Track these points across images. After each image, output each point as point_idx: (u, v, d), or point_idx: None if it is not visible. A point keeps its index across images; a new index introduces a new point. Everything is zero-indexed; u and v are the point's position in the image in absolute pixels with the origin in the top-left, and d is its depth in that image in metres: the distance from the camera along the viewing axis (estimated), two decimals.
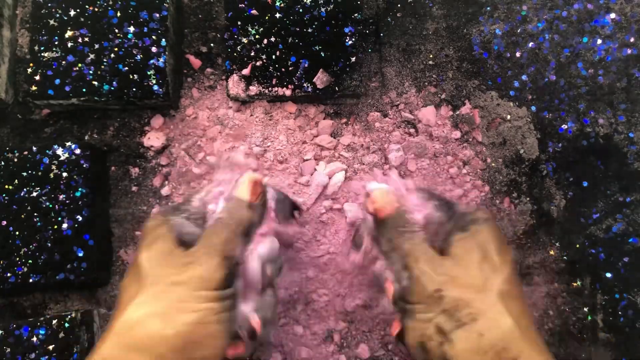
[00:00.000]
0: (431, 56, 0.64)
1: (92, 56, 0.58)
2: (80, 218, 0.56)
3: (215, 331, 0.37)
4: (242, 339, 0.40)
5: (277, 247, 0.45)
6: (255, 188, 0.43)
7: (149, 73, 0.57)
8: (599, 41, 0.63)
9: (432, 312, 0.38)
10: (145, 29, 0.58)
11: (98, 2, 0.58)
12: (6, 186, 0.56)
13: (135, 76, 0.57)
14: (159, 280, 0.37)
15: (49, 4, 0.58)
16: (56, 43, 0.58)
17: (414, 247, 0.41)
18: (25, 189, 0.56)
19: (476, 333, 0.36)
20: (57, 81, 0.57)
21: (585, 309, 0.60)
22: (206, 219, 0.43)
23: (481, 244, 0.40)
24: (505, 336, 0.36)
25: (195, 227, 0.42)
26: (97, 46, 0.58)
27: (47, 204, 0.56)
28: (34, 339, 0.53)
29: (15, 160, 0.56)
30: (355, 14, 0.60)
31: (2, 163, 0.56)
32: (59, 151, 0.57)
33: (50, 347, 0.53)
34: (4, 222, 0.55)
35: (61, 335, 0.53)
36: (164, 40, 0.58)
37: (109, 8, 0.58)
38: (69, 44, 0.58)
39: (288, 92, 0.59)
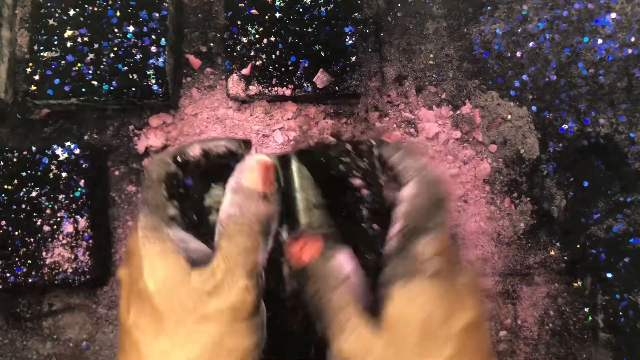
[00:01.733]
0: (431, 56, 0.64)
1: (91, 56, 0.57)
2: (79, 218, 0.56)
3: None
4: None
5: None
6: (267, 174, 0.35)
7: (148, 73, 0.57)
8: (600, 41, 0.63)
9: None
10: (145, 29, 0.58)
11: (97, 2, 0.58)
12: (5, 186, 0.56)
13: (135, 76, 0.57)
14: (181, 317, 0.31)
15: (49, 4, 0.58)
16: (55, 43, 0.58)
17: (341, 312, 0.32)
18: (24, 189, 0.56)
19: None
20: (57, 81, 0.57)
21: (586, 309, 0.60)
22: (209, 211, 0.37)
23: (423, 310, 0.31)
24: None
25: (200, 243, 0.35)
26: (96, 46, 0.58)
27: (47, 204, 0.56)
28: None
29: (15, 160, 0.56)
30: (355, 14, 0.60)
31: (2, 163, 0.56)
32: (59, 151, 0.57)
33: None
34: (4, 222, 0.55)
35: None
36: (163, 39, 0.58)
37: (109, 8, 0.58)
38: (69, 44, 0.58)
39: (288, 92, 0.59)
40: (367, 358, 0.31)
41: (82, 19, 0.58)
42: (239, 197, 0.34)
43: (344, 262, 0.34)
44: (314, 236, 0.35)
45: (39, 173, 0.56)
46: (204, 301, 0.31)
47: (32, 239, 0.55)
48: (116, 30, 0.58)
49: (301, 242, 0.35)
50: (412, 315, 0.31)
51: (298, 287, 0.36)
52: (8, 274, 0.55)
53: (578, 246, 0.61)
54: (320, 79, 0.58)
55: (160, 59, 0.58)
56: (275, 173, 0.36)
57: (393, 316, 0.32)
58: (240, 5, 0.59)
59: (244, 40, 0.59)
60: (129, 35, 0.58)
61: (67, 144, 0.57)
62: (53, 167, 0.56)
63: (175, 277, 0.31)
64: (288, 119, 0.62)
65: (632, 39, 0.62)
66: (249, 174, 0.34)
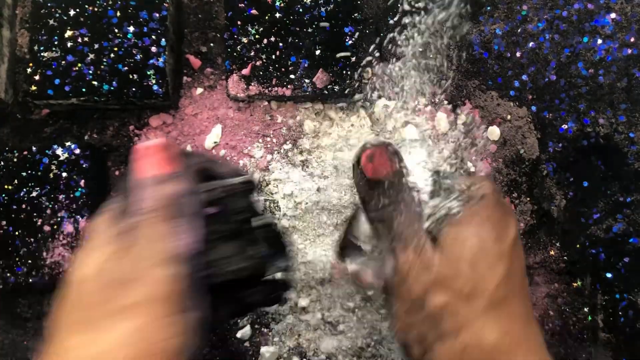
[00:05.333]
0: (431, 56, 0.64)
1: (91, 56, 0.57)
2: (80, 218, 0.56)
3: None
4: None
5: None
6: (155, 154, 0.32)
7: (148, 73, 0.57)
8: (600, 41, 0.63)
9: (416, 316, 0.34)
10: (145, 29, 0.58)
11: (98, 2, 0.58)
12: (5, 186, 0.56)
13: (135, 76, 0.57)
14: (100, 311, 0.28)
15: (49, 4, 0.58)
16: (56, 43, 0.58)
17: (405, 228, 0.35)
18: (24, 189, 0.56)
19: (459, 347, 0.32)
20: (57, 81, 0.57)
21: (586, 309, 0.60)
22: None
23: (478, 233, 0.34)
24: (489, 355, 0.32)
25: None
26: (96, 46, 0.58)
27: (47, 204, 0.56)
28: None
29: (15, 160, 0.56)
30: (355, 14, 0.60)
31: (2, 163, 0.56)
32: (59, 151, 0.57)
33: None
34: (4, 222, 0.55)
35: None
36: (163, 40, 0.58)
37: (109, 8, 0.58)
38: (69, 44, 0.58)
39: (288, 92, 0.59)
40: (426, 270, 0.33)
41: (82, 19, 0.58)
42: (135, 192, 0.31)
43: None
44: (389, 155, 0.36)
45: (39, 173, 0.56)
46: (120, 293, 0.28)
47: (32, 239, 0.55)
48: (116, 30, 0.58)
49: (378, 158, 0.36)
50: (466, 235, 0.34)
51: (367, 196, 0.37)
52: (8, 274, 0.55)
53: (578, 246, 0.61)
54: (320, 79, 0.59)
55: (160, 59, 0.58)
56: (174, 150, 0.33)
57: (449, 237, 0.34)
58: (240, 5, 0.60)
59: (244, 40, 0.59)
60: (129, 36, 0.58)
61: (67, 144, 0.57)
62: (53, 167, 0.56)
63: (97, 268, 0.29)
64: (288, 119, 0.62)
65: (632, 39, 0.62)
66: (136, 165, 0.32)
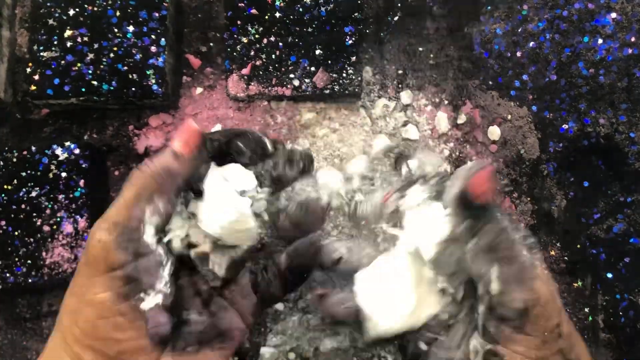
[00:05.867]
0: (431, 56, 0.64)
1: (91, 56, 0.57)
2: (79, 218, 0.56)
3: (119, 325, 0.32)
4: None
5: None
6: (189, 137, 0.35)
7: (148, 73, 0.57)
8: (600, 41, 0.63)
9: (548, 349, 0.31)
10: (145, 29, 0.58)
11: (97, 2, 0.58)
12: (5, 186, 0.56)
13: (135, 76, 0.57)
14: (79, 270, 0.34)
15: (48, 4, 0.58)
16: (55, 43, 0.58)
17: (527, 254, 0.31)
18: (24, 189, 0.56)
19: None
20: (56, 81, 0.57)
21: (586, 310, 0.60)
22: None
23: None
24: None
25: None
26: (96, 46, 0.58)
27: (47, 204, 0.56)
28: None
29: (14, 160, 0.56)
30: (355, 14, 0.60)
31: (1, 163, 0.56)
32: (58, 151, 0.57)
33: None
34: (4, 222, 0.55)
35: None
36: (163, 39, 0.58)
37: (108, 7, 0.58)
38: (68, 44, 0.58)
39: (288, 92, 0.59)
40: (556, 299, 0.32)
41: (82, 19, 0.58)
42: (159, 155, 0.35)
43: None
44: (492, 173, 0.32)
45: (39, 173, 0.56)
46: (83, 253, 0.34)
47: (32, 239, 0.55)
48: (116, 30, 0.58)
49: (487, 180, 0.32)
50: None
51: (467, 218, 0.33)
52: (8, 274, 0.55)
53: (578, 246, 0.61)
54: (320, 78, 0.58)
55: (160, 59, 0.58)
56: (200, 140, 0.36)
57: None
58: (240, 5, 0.59)
59: (244, 40, 0.59)
60: (129, 35, 0.58)
61: (67, 144, 0.57)
62: (53, 167, 0.56)
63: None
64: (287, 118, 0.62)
65: (632, 39, 0.62)
66: (174, 136, 0.36)
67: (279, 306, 0.59)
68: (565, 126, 0.62)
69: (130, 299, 0.33)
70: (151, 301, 0.34)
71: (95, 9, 0.58)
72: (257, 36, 0.59)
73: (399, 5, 0.65)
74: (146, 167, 0.34)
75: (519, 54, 0.63)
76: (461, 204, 0.33)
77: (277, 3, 0.59)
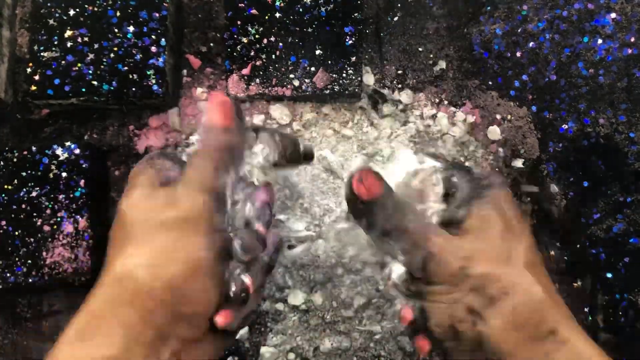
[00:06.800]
0: (431, 56, 0.64)
1: (91, 56, 0.57)
2: (79, 218, 0.56)
3: (206, 285, 0.34)
4: (233, 302, 0.36)
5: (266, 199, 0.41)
6: (225, 109, 0.38)
7: (148, 73, 0.57)
8: (600, 41, 0.63)
9: (459, 291, 0.36)
10: (145, 29, 0.58)
11: (97, 2, 0.58)
12: (5, 186, 0.56)
13: (135, 76, 0.57)
14: (144, 226, 0.34)
15: (49, 4, 0.58)
16: (55, 43, 0.58)
17: (422, 225, 0.37)
18: (24, 189, 0.56)
19: (510, 307, 0.34)
20: (57, 81, 0.57)
21: (586, 310, 0.60)
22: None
23: (500, 211, 0.37)
24: (539, 307, 0.34)
25: (181, 169, 0.38)
26: (96, 46, 0.58)
27: (47, 204, 0.56)
28: None
29: (15, 160, 0.56)
30: (355, 14, 0.60)
31: (2, 163, 0.56)
32: (59, 151, 0.57)
33: None
34: (4, 222, 0.55)
35: None
36: (163, 40, 0.58)
37: (109, 8, 0.58)
38: (69, 44, 0.58)
39: (288, 92, 0.59)
40: (459, 248, 0.36)
41: (82, 19, 0.58)
42: (202, 133, 0.38)
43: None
44: (374, 174, 0.38)
45: (39, 173, 0.56)
46: (163, 211, 0.34)
47: (32, 239, 0.55)
48: (116, 30, 0.58)
49: (366, 179, 0.37)
50: (491, 218, 0.37)
51: (368, 218, 0.39)
52: (8, 274, 0.55)
53: (578, 246, 0.61)
54: (320, 78, 0.59)
55: (160, 59, 0.58)
56: (235, 108, 0.39)
57: (476, 219, 0.37)
58: (240, 5, 0.59)
59: (244, 40, 0.59)
60: (129, 35, 0.58)
61: (67, 144, 0.57)
62: (53, 167, 0.56)
63: (143, 193, 0.35)
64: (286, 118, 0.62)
65: (632, 39, 0.62)
66: (209, 112, 0.38)
67: (279, 306, 0.59)
68: (565, 126, 0.62)
69: (223, 263, 0.35)
70: (236, 269, 0.36)
71: (96, 9, 0.58)
72: (257, 36, 0.59)
73: (399, 5, 0.65)
74: (209, 143, 0.37)
75: (518, 54, 0.63)
76: (354, 210, 0.40)
77: (277, 3, 0.60)
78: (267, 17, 0.59)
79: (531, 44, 0.63)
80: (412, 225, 0.37)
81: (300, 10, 0.60)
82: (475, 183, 0.40)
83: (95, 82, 0.57)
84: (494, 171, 0.43)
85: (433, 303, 0.37)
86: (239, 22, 0.59)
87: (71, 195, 0.56)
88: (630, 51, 0.62)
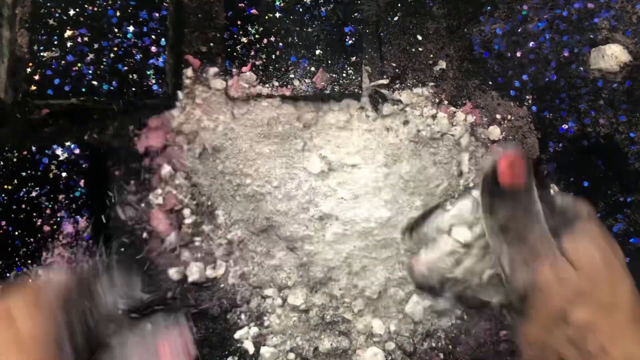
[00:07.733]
0: (431, 56, 0.64)
1: (91, 56, 0.57)
2: (79, 218, 0.56)
3: None
4: None
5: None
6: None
7: (148, 73, 0.57)
8: None
9: (554, 336, 0.33)
10: (145, 29, 0.58)
11: (97, 2, 0.58)
12: (5, 186, 0.56)
13: (135, 76, 0.57)
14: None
15: (48, 4, 0.58)
16: (55, 43, 0.58)
17: (540, 241, 0.34)
18: (24, 189, 0.56)
19: None
20: (57, 81, 0.57)
21: None
22: None
23: (599, 248, 0.34)
24: None
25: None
26: (96, 46, 0.58)
27: (47, 204, 0.56)
28: None
29: (15, 160, 0.56)
30: (355, 14, 0.60)
31: (1, 163, 0.56)
32: (59, 151, 0.57)
33: None
34: (4, 222, 0.55)
35: None
36: (163, 39, 0.58)
37: (109, 8, 0.58)
38: (69, 44, 0.58)
39: (288, 92, 0.59)
40: (565, 285, 0.33)
41: (82, 19, 0.58)
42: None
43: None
44: (525, 165, 0.35)
45: (39, 173, 0.56)
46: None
47: (32, 239, 0.55)
48: (116, 30, 0.58)
49: (515, 167, 0.35)
50: (590, 249, 0.34)
51: (496, 204, 0.36)
52: (8, 274, 0.55)
53: None
54: (320, 79, 0.59)
55: (160, 59, 0.58)
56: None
57: (574, 252, 0.34)
58: (240, 5, 0.60)
59: (244, 40, 0.59)
60: (129, 35, 0.58)
61: (67, 144, 0.57)
62: (53, 167, 0.56)
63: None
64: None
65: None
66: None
67: (279, 306, 0.59)
68: (565, 126, 0.62)
69: None
70: None
71: (95, 9, 0.58)
72: (257, 36, 0.59)
73: (399, 5, 0.65)
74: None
75: (518, 54, 0.63)
76: (487, 188, 0.36)
77: (277, 3, 0.60)
78: (267, 17, 0.59)
79: (531, 44, 0.63)
80: (533, 236, 0.34)
81: (300, 10, 0.60)
82: (560, 213, 0.37)
83: (95, 82, 0.57)
84: (578, 199, 0.39)
85: (527, 334, 0.34)
86: (238, 22, 0.59)
87: (71, 196, 0.56)
88: None
